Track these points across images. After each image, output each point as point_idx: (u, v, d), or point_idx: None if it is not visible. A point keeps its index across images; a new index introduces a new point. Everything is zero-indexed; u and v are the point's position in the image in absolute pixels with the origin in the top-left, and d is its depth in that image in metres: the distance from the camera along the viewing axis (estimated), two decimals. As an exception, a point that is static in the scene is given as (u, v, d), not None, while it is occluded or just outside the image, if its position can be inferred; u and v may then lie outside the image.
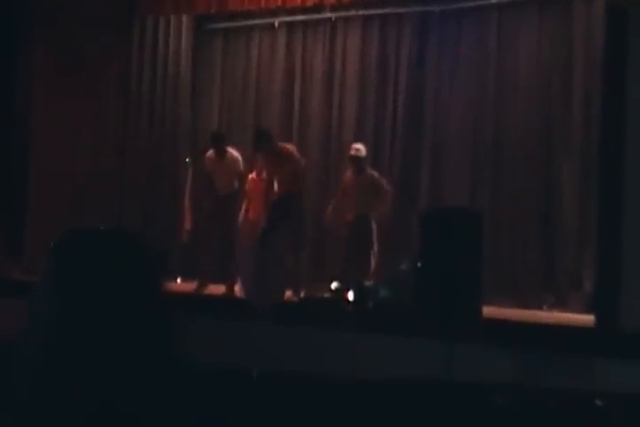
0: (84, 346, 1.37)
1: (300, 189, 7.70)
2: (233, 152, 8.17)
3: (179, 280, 8.46)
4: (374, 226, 7.83)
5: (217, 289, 7.86)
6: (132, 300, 1.42)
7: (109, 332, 1.39)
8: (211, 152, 8.20)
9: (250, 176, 8.22)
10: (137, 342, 1.39)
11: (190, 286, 7.87)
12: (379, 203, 7.84)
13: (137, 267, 1.46)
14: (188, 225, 8.55)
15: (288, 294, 7.18)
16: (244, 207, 8.17)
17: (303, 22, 9.77)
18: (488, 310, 6.24)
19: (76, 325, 1.36)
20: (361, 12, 9.45)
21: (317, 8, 9.54)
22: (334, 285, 6.72)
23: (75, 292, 1.38)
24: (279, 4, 9.49)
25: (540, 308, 7.72)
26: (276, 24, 9.78)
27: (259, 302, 6.10)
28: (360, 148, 7.92)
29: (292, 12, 9.72)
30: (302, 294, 7.20)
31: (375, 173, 8.07)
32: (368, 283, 6.68)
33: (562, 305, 7.71)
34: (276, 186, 7.70)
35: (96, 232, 1.48)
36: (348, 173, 8.12)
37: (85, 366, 1.36)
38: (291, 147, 7.90)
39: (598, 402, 4.38)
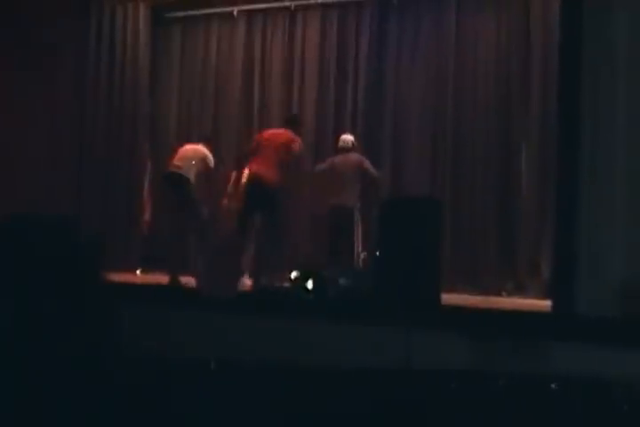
0: (19, 325, 1.38)
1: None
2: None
3: (138, 272, 8.41)
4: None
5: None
6: (66, 283, 1.44)
7: (43, 314, 1.41)
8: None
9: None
10: (72, 323, 1.40)
11: (150, 278, 7.83)
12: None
13: (71, 252, 1.48)
14: (147, 216, 8.47)
15: (246, 283, 7.20)
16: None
17: (262, 11, 9.72)
18: (448, 297, 6.29)
19: (11, 304, 1.37)
20: (320, 1, 9.42)
21: (276, -4, 9.52)
22: (294, 274, 6.72)
23: (10, 274, 1.39)
24: (237, -9, 9.47)
25: (499, 294, 7.81)
26: (235, 13, 9.73)
27: (212, 293, 6.08)
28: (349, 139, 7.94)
29: (251, 0, 9.66)
30: (261, 283, 7.20)
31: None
32: (327, 271, 6.69)
33: (521, 291, 7.81)
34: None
35: (34, 218, 1.50)
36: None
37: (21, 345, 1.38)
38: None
39: (553, 386, 4.44)
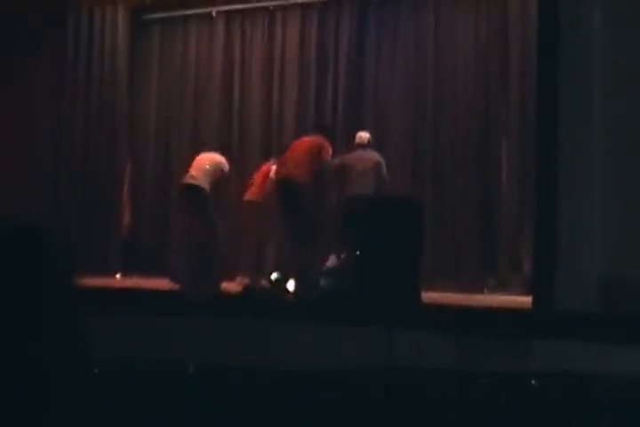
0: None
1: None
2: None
3: (118, 276, 8.34)
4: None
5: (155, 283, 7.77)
6: (36, 290, 1.43)
7: (13, 322, 1.40)
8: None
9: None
10: (41, 331, 1.39)
11: (129, 282, 7.79)
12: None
13: (41, 259, 1.46)
14: (127, 219, 8.40)
15: (230, 285, 7.17)
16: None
17: (241, 11, 9.68)
18: (430, 295, 6.28)
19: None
20: (299, 0, 9.40)
21: (255, -3, 9.49)
22: (274, 275, 6.70)
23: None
24: (216, -8, 9.44)
25: (481, 291, 7.83)
26: (214, 13, 9.69)
27: (192, 295, 6.05)
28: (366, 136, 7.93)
29: (230, 0, 9.63)
30: (242, 285, 7.18)
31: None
32: (309, 272, 6.67)
33: (502, 288, 7.82)
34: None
35: (5, 225, 1.49)
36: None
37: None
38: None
39: (534, 382, 4.43)
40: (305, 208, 7.21)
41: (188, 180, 7.57)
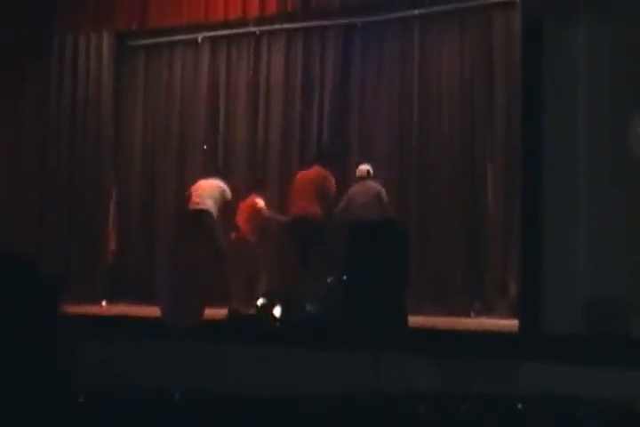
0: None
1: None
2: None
3: (104, 303, 8.27)
4: None
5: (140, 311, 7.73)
6: (21, 319, 1.43)
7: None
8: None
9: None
10: (26, 359, 1.39)
11: (115, 309, 7.73)
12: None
13: (27, 290, 1.46)
14: (113, 246, 8.37)
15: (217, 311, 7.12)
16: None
17: (227, 37, 9.73)
18: (416, 319, 6.27)
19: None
20: (285, 26, 9.45)
21: (241, 22, 9.51)
22: (260, 301, 6.68)
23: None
24: (202, 19, 9.45)
25: (468, 315, 7.82)
26: (200, 39, 9.72)
27: (174, 322, 6.01)
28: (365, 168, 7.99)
29: (216, 27, 9.66)
30: (227, 311, 7.13)
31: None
32: (295, 298, 6.65)
33: (489, 311, 7.82)
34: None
35: None
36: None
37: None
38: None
39: (520, 406, 4.41)
40: (322, 241, 7.45)
41: (193, 206, 7.63)
